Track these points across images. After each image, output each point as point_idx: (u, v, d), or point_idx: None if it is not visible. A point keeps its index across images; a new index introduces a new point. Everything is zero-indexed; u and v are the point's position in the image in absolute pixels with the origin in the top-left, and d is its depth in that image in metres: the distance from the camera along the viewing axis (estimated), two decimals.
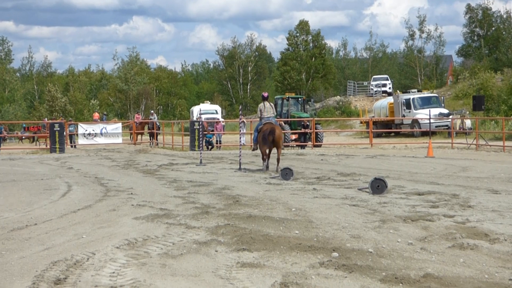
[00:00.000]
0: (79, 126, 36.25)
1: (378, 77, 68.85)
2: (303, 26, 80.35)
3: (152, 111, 48.00)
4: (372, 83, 66.53)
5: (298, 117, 33.95)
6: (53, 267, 7.23)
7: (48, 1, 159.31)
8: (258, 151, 19.79)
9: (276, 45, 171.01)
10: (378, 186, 12.82)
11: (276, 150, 19.01)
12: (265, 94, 19.74)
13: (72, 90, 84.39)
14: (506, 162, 21.03)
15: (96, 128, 35.60)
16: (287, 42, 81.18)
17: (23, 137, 45.41)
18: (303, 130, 32.61)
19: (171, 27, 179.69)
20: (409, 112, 41.47)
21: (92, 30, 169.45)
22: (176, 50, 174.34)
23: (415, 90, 47.80)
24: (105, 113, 71.93)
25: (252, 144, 20.48)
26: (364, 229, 9.12)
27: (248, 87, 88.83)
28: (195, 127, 30.65)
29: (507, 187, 13.79)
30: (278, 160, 18.99)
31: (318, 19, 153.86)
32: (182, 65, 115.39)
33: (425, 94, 44.81)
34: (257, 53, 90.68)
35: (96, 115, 52.72)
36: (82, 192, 14.08)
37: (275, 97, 43.30)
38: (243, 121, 26.29)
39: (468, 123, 35.51)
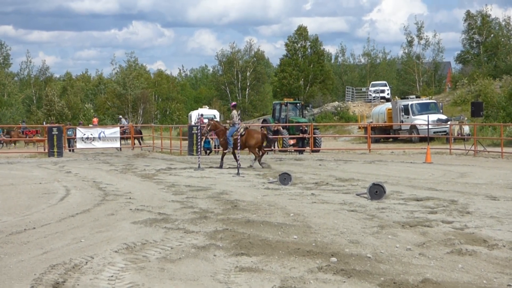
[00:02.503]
0: (77, 130, 36.21)
1: (377, 83, 68.86)
2: (301, 31, 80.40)
3: (120, 116, 47.91)
4: (370, 89, 66.53)
5: (296, 122, 33.97)
6: (52, 270, 7.23)
7: (48, 5, 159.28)
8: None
9: (275, 51, 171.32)
10: (377, 191, 12.83)
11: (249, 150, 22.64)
12: (235, 103, 23.97)
13: (68, 95, 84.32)
14: (504, 168, 21.04)
15: (94, 132, 35.53)
16: (286, 48, 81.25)
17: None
18: (301, 135, 32.61)
19: (171, 32, 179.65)
20: (408, 118, 41.49)
21: (92, 34, 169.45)
22: (176, 55, 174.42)
23: (414, 96, 47.81)
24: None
25: (229, 147, 22.75)
26: (362, 234, 9.13)
27: (247, 92, 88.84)
28: (193, 131, 30.64)
29: (505, 193, 13.80)
30: (262, 155, 22.75)
31: (317, 25, 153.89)
32: (180, 70, 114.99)
33: (424, 100, 44.82)
34: (255, 59, 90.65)
35: (95, 120, 52.55)
36: (81, 196, 14.07)
37: (273, 102, 43.31)
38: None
39: (466, 129, 35.53)
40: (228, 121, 22.72)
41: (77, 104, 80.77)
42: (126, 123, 42.80)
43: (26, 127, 48.04)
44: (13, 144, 44.71)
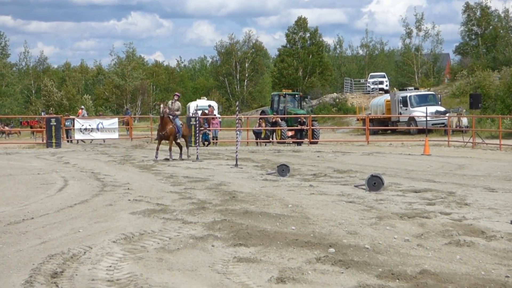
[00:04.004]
0: (75, 121, 36.15)
1: (375, 74, 68.81)
2: (301, 23, 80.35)
3: (82, 107, 47.76)
4: (369, 80, 66.49)
5: (294, 114, 33.95)
6: (50, 260, 7.23)
7: None
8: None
9: (273, 42, 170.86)
10: (375, 183, 12.83)
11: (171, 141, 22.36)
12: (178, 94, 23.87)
13: (66, 85, 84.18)
14: (503, 160, 21.06)
15: (93, 123, 35.47)
16: (286, 38, 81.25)
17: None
18: (299, 127, 32.61)
19: (169, 23, 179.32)
20: (406, 109, 41.47)
21: (91, 25, 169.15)
22: (174, 46, 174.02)
23: (412, 87, 47.78)
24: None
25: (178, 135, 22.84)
26: (360, 225, 9.14)
27: (245, 83, 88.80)
28: (191, 123, 30.58)
29: (503, 185, 13.81)
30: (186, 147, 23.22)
31: (316, 17, 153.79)
32: (178, 61, 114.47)
33: (422, 92, 44.80)
34: (253, 50, 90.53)
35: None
36: (79, 187, 14.07)
37: (272, 93, 43.22)
38: (240, 118, 26.27)
39: (464, 121, 35.49)
40: (172, 112, 22.23)
41: (74, 95, 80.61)
42: (86, 114, 42.62)
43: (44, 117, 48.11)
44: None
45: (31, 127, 44.71)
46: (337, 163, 20.35)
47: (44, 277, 6.62)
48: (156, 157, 21.66)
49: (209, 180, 14.99)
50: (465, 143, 28.99)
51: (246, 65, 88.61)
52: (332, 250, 7.63)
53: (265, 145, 32.37)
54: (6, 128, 47.16)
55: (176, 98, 22.90)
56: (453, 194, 12.24)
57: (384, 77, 66.56)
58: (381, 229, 8.89)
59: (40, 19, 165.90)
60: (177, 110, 22.55)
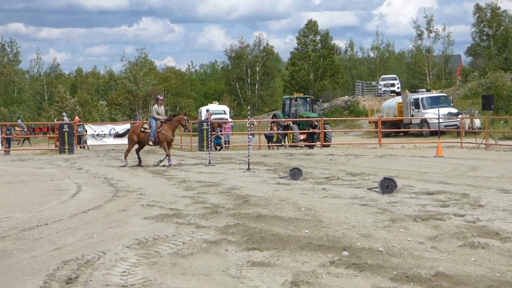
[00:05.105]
0: (87, 127, 36.26)
1: (387, 76, 68.62)
2: (311, 26, 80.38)
3: (63, 114, 47.70)
4: (380, 82, 66.33)
5: (306, 117, 33.93)
6: (64, 266, 7.25)
7: (58, 2, 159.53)
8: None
9: (284, 46, 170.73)
10: (388, 185, 12.80)
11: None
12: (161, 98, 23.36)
13: (79, 91, 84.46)
14: None
15: (105, 128, 35.58)
16: (297, 41, 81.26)
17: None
18: (311, 130, 32.60)
19: (180, 28, 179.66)
20: (418, 111, 41.34)
21: (102, 31, 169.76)
22: (185, 51, 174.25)
23: (424, 89, 47.62)
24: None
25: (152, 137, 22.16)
26: (374, 228, 9.11)
27: (256, 87, 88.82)
28: (203, 127, 30.65)
29: None
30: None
31: (327, 20, 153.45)
32: (189, 65, 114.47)
33: (434, 93, 44.65)
34: (264, 54, 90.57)
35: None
36: (92, 193, 14.11)
37: (283, 97, 43.23)
38: (252, 122, 26.27)
39: (477, 122, 35.36)
40: (160, 117, 21.94)
41: (87, 101, 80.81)
42: (68, 120, 42.78)
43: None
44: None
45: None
46: (350, 166, 20.31)
47: (59, 283, 6.64)
48: (170, 162, 21.54)
49: (222, 185, 15.00)
50: (478, 145, 28.87)
51: (257, 69, 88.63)
52: (345, 253, 7.61)
53: (277, 148, 32.38)
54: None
55: (160, 102, 22.73)
56: (467, 196, 12.18)
57: (396, 79, 66.37)
58: (395, 231, 8.86)
59: (51, 25, 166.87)
60: (163, 114, 22.37)
